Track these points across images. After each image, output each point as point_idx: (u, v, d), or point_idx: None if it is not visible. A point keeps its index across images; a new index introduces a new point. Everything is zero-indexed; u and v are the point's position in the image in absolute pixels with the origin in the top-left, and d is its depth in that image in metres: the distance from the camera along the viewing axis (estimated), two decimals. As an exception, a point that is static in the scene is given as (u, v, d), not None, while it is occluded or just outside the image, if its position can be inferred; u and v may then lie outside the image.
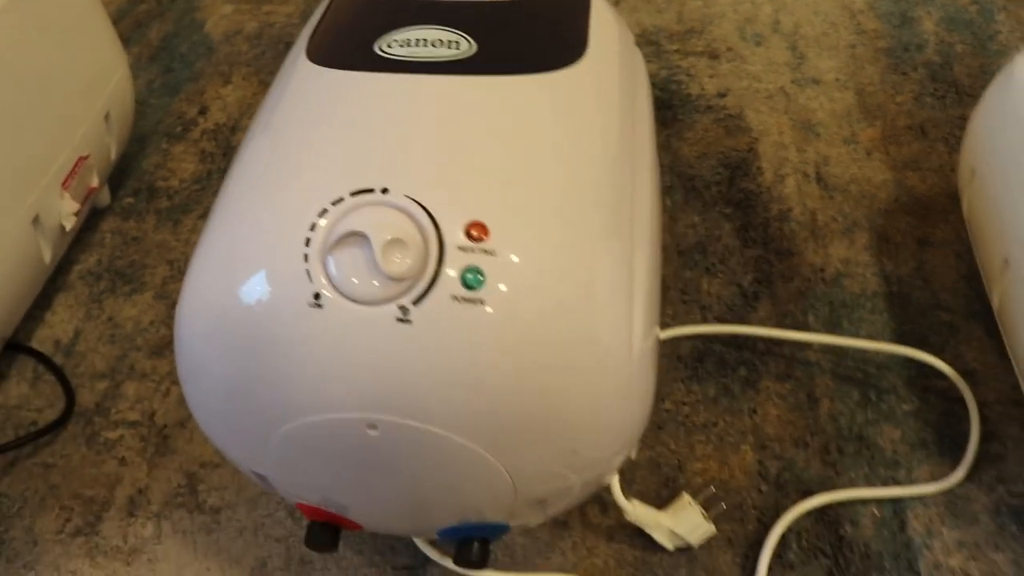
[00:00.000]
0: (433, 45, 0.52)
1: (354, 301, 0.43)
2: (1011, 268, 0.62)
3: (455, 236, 0.44)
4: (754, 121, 0.91)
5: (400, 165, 0.46)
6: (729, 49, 0.99)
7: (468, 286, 0.43)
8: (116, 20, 1.09)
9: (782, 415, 0.68)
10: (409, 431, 0.45)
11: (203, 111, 0.97)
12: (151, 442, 0.69)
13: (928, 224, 0.81)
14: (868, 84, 0.96)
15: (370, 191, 0.45)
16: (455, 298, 0.43)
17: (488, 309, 0.43)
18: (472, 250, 0.43)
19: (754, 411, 0.68)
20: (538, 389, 0.44)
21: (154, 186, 0.89)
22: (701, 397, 0.69)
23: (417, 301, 0.43)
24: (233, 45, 1.05)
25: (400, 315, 0.43)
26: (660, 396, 0.69)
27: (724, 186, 0.84)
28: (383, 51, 0.52)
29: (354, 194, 0.45)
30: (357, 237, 0.43)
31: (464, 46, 0.52)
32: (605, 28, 0.59)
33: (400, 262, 0.43)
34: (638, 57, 0.64)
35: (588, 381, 0.46)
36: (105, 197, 0.87)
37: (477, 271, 0.43)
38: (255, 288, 0.45)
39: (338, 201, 0.45)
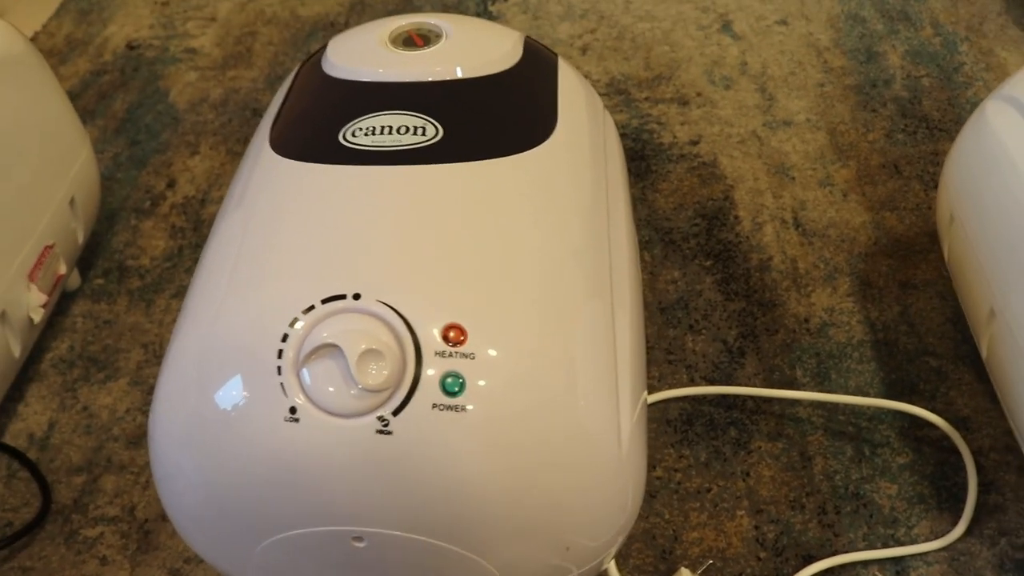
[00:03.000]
0: (399, 132, 0.51)
1: (331, 414, 0.42)
2: (997, 318, 0.62)
3: (432, 341, 0.42)
4: (728, 168, 0.90)
5: (371, 267, 0.45)
6: (698, 94, 0.99)
7: (448, 392, 0.42)
8: (79, 92, 1.08)
9: (776, 476, 0.67)
10: (397, 541, 0.44)
11: (171, 184, 0.95)
12: (132, 538, 0.67)
13: (909, 266, 0.81)
14: (839, 123, 0.95)
15: (341, 297, 0.43)
16: (436, 406, 0.42)
17: (469, 414, 0.42)
18: (450, 354, 0.42)
19: (747, 473, 0.67)
20: (525, 490, 0.43)
21: (124, 265, 0.87)
22: (693, 462, 0.68)
23: (396, 411, 0.42)
24: (199, 114, 1.04)
25: (379, 426, 0.42)
26: (651, 463, 0.68)
27: (702, 237, 0.84)
28: (348, 141, 0.51)
29: (325, 301, 0.43)
30: (331, 348, 0.42)
31: (430, 131, 0.51)
32: (573, 99, 0.58)
33: (376, 373, 0.41)
34: (608, 121, 0.63)
35: (577, 476, 0.45)
36: (75, 280, 0.85)
37: (457, 376, 0.42)
38: (230, 398, 0.44)
39: (310, 309, 0.43)
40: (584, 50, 1.06)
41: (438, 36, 0.58)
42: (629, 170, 0.89)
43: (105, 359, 0.80)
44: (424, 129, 0.52)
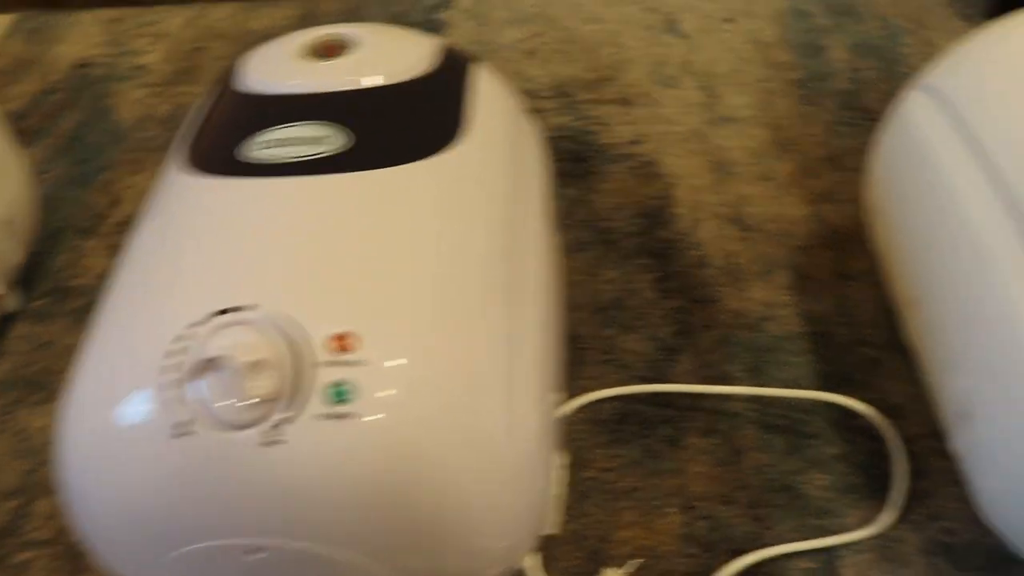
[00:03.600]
0: (303, 143, 0.51)
1: (221, 427, 0.42)
2: (919, 306, 0.62)
3: (321, 350, 0.42)
4: (670, 166, 0.91)
5: (264, 279, 0.45)
6: (642, 94, 0.99)
7: (337, 401, 0.42)
8: (27, 112, 1.08)
9: (708, 472, 0.67)
10: (296, 552, 0.44)
11: (115, 202, 0.96)
12: (64, 560, 0.67)
13: (847, 257, 0.81)
14: (782, 118, 0.96)
15: (232, 309, 0.44)
16: (325, 415, 0.42)
17: (360, 422, 0.42)
18: (340, 363, 0.42)
19: (679, 471, 0.67)
20: (420, 495, 0.43)
21: (66, 286, 0.87)
22: (625, 461, 0.68)
23: (286, 422, 0.42)
24: (145, 130, 1.04)
25: (270, 437, 0.42)
26: (583, 464, 0.68)
27: (641, 236, 0.84)
28: (251, 154, 0.51)
29: (215, 314, 0.44)
30: (220, 360, 0.42)
31: (335, 141, 0.51)
32: (487, 105, 0.58)
33: (264, 384, 0.42)
34: (529, 127, 0.64)
35: (473, 479, 0.45)
36: (14, 302, 0.85)
37: (345, 385, 0.42)
38: (123, 415, 0.44)
39: (199, 322, 0.43)
40: (530, 54, 1.06)
41: (350, 46, 0.59)
42: (570, 172, 0.90)
43: (41, 381, 0.80)
44: (329, 139, 0.52)
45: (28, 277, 0.88)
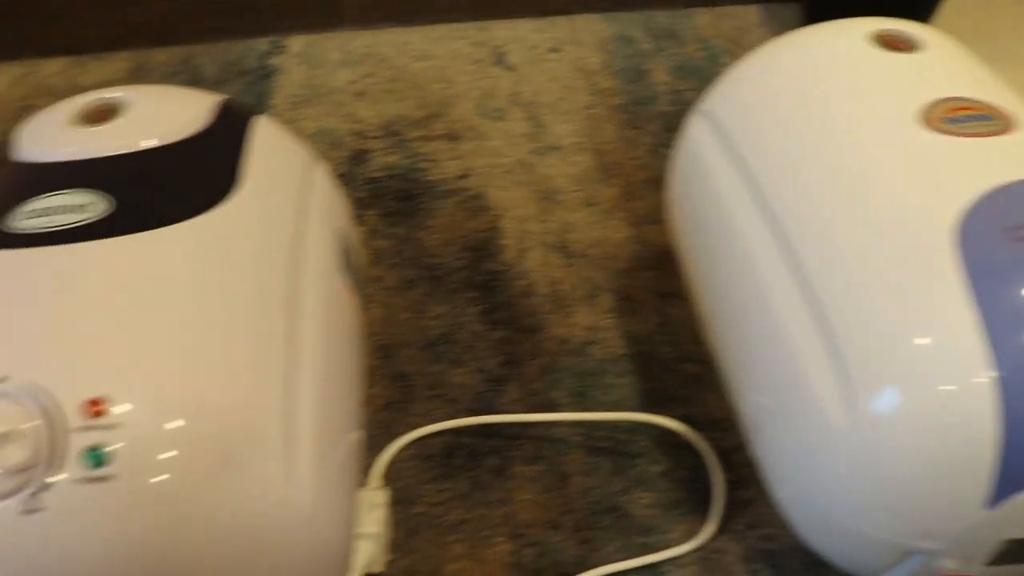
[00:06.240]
0: (65, 212, 0.51)
1: (-24, 500, 0.41)
2: (715, 323, 0.64)
3: (74, 416, 0.42)
4: (496, 198, 0.92)
5: (16, 349, 0.44)
6: (470, 128, 1.00)
7: (95, 465, 0.41)
8: None
9: (534, 499, 0.68)
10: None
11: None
12: None
13: (668, 276, 0.83)
14: (605, 143, 0.98)
15: (-17, 381, 0.43)
16: (83, 479, 0.41)
17: (119, 483, 0.41)
18: (95, 427, 0.42)
19: (506, 500, 0.68)
20: (192, 558, 0.43)
21: None
22: (453, 494, 0.68)
23: (44, 489, 0.41)
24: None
25: (29, 505, 0.41)
26: (411, 500, 0.68)
27: (468, 270, 0.85)
28: (12, 225, 0.50)
29: (-34, 386, 0.43)
30: (-28, 433, 0.41)
31: (99, 207, 0.51)
32: (266, 155, 0.58)
33: (16, 453, 0.41)
34: (318, 173, 0.64)
35: (249, 536, 0.44)
36: None
37: (98, 448, 0.41)
38: None
39: (-51, 398, 0.42)
40: (360, 95, 1.07)
41: (122, 109, 0.58)
42: (399, 211, 0.90)
43: None
44: (92, 206, 0.51)
45: None
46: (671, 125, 0.99)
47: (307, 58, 1.14)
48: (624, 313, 0.80)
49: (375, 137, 1.00)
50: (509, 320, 0.80)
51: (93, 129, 0.56)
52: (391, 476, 0.69)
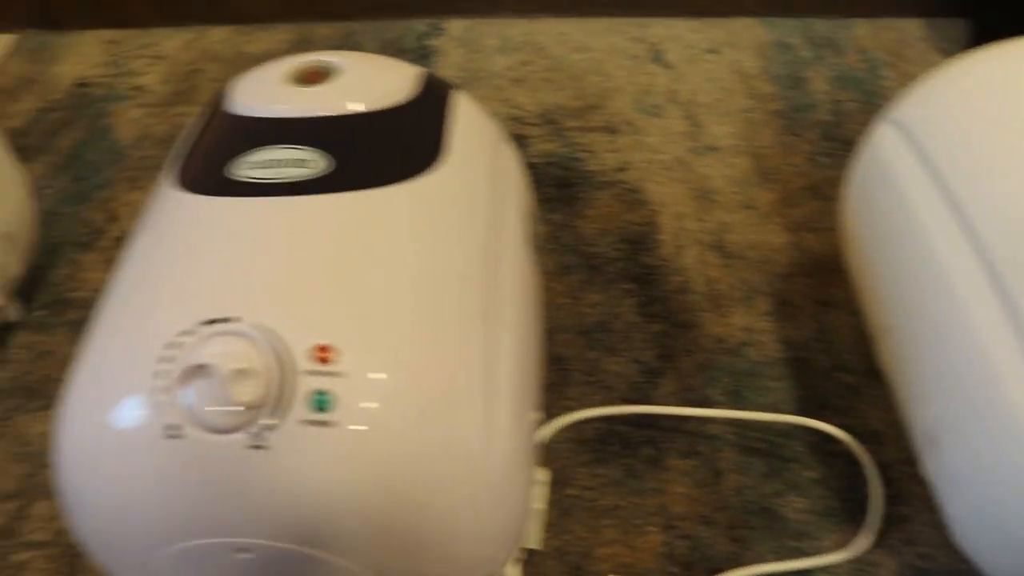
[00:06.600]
0: (287, 165, 0.53)
1: (208, 430, 0.43)
2: (891, 335, 0.63)
3: (302, 360, 0.44)
4: (653, 193, 0.92)
5: (248, 292, 0.46)
6: (627, 122, 1.01)
7: (319, 409, 0.43)
8: (28, 129, 1.09)
9: (688, 492, 0.68)
10: (279, 552, 0.45)
11: (112, 219, 0.97)
12: (61, 563, 0.68)
13: (827, 284, 0.82)
14: (764, 147, 0.97)
15: (218, 320, 0.45)
16: (307, 422, 0.43)
17: (340, 430, 0.43)
18: (320, 373, 0.44)
19: (660, 491, 0.68)
20: (398, 502, 0.45)
21: (65, 298, 0.89)
22: (606, 480, 0.69)
23: (269, 428, 0.43)
24: (142, 150, 1.06)
25: (254, 442, 0.43)
26: (564, 482, 0.69)
27: (625, 262, 0.85)
28: (236, 175, 0.53)
29: (203, 324, 0.45)
30: (207, 367, 0.43)
31: (319, 164, 0.53)
32: (466, 131, 0.60)
33: (248, 391, 0.43)
34: (508, 153, 0.65)
35: (451, 489, 0.46)
36: (14, 312, 0.86)
37: (325, 394, 0.43)
38: (116, 419, 0.45)
39: (188, 332, 0.45)
40: (518, 82, 1.08)
41: (334, 73, 0.60)
42: (556, 198, 0.91)
43: (41, 389, 0.81)
44: (313, 162, 0.53)
45: (28, 289, 0.89)
46: (830, 134, 0.98)
47: (465, 42, 1.16)
48: (781, 317, 0.80)
49: (533, 124, 1.01)
50: (666, 314, 0.80)
51: (307, 89, 0.58)
52: (546, 457, 0.70)
